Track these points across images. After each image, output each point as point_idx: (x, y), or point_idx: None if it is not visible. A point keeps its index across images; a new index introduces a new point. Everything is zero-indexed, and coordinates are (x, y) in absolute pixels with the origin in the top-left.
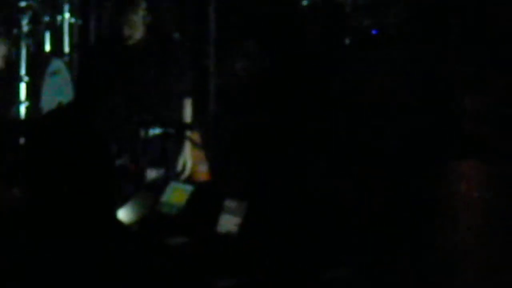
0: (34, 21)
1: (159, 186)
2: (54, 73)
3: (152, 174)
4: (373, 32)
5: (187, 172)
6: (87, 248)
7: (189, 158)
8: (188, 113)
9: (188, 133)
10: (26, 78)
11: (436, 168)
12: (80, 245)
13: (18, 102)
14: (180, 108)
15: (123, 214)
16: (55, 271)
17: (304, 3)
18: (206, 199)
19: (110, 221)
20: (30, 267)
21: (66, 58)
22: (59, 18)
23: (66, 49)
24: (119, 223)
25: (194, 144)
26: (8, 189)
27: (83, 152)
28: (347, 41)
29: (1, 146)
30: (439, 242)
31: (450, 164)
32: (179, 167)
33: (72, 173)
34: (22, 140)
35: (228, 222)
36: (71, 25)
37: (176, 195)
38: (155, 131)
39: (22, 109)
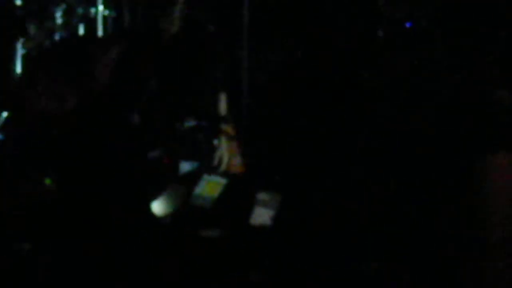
0: (67, 14)
1: (192, 179)
2: None
3: (185, 167)
4: (407, 25)
5: (223, 166)
6: (120, 239)
7: (226, 152)
8: (222, 106)
9: (223, 126)
10: None
11: (474, 162)
12: (113, 237)
13: None
14: (214, 101)
15: (157, 207)
16: (88, 261)
17: None
18: (239, 192)
19: (143, 213)
20: (63, 257)
21: None
22: (93, 10)
23: None
24: (152, 215)
25: (228, 137)
26: (41, 182)
27: (116, 144)
28: (380, 33)
29: (34, 139)
30: (473, 237)
31: (487, 158)
32: (216, 161)
33: (106, 165)
34: (55, 132)
35: (262, 215)
36: (105, 18)
37: (210, 188)
38: (189, 123)
39: None
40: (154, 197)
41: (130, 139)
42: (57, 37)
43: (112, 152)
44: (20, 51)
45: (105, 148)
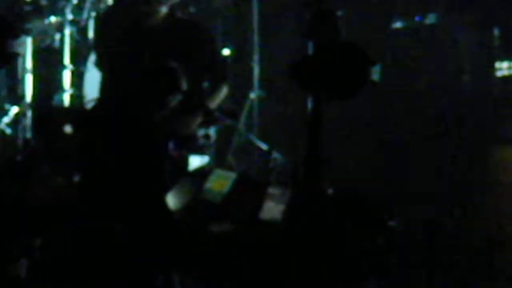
0: (77, 9)
1: (202, 174)
2: None
3: (195, 161)
4: (417, 18)
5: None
6: (137, 234)
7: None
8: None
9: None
10: (70, 66)
11: (479, 153)
12: (129, 231)
13: (62, 90)
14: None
15: (167, 202)
16: (103, 257)
17: None
18: (249, 186)
19: (159, 208)
20: (77, 253)
21: None
22: (102, 6)
23: None
24: (167, 210)
25: (237, 132)
26: (54, 178)
27: (140, 143)
28: (394, 25)
29: (47, 135)
30: (479, 227)
31: (493, 149)
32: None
33: (127, 163)
34: (68, 129)
35: (272, 209)
36: None
37: (220, 182)
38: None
39: (66, 97)
40: (164, 191)
41: (150, 136)
42: (66, 31)
43: (133, 151)
44: (29, 46)
45: (127, 146)
